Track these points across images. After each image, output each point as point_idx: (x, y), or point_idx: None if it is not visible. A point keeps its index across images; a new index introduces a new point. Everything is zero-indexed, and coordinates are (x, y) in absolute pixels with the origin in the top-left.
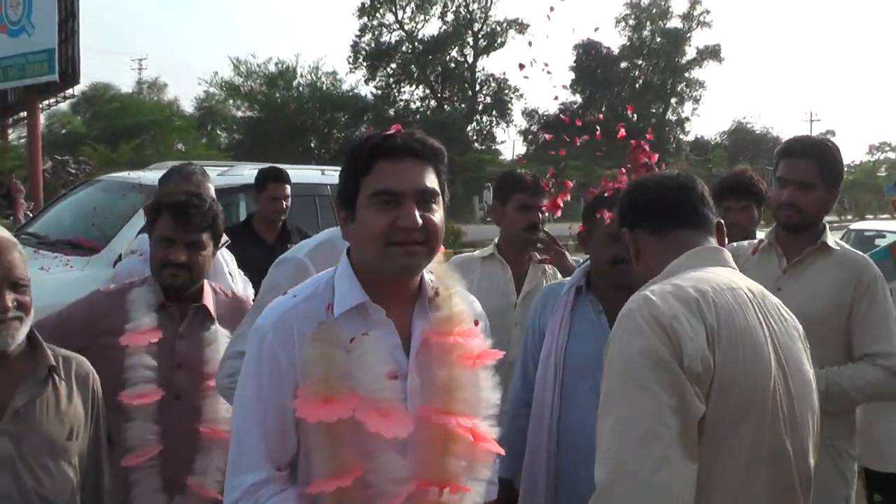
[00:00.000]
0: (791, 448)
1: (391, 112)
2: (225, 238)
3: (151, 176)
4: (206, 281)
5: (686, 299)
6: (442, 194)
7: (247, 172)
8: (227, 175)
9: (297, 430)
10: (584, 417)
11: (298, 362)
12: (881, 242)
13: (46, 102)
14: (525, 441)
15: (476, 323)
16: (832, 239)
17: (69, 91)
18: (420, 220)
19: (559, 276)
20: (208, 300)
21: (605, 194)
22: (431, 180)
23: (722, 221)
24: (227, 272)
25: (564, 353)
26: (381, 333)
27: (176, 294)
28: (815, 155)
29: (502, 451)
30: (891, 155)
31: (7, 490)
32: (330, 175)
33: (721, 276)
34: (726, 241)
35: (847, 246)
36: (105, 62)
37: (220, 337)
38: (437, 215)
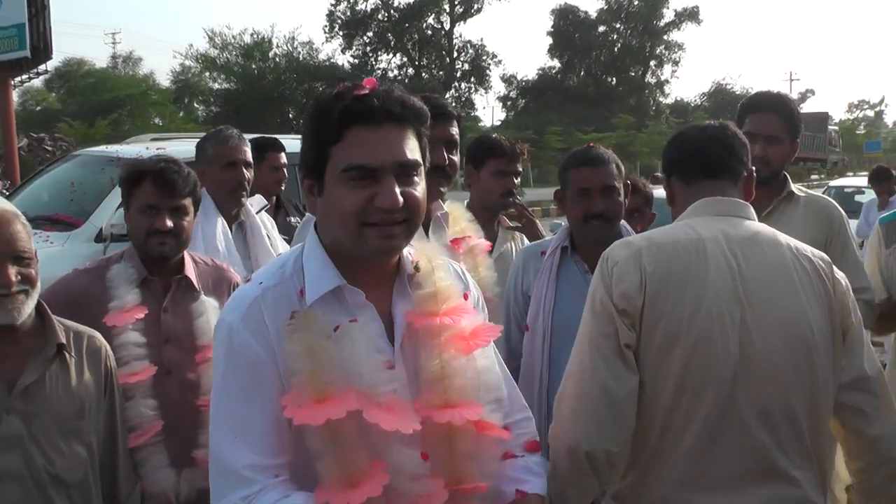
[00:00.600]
0: (746, 379)
1: None
2: (264, 201)
3: (129, 150)
4: (185, 251)
5: (634, 248)
6: (423, 161)
7: None
8: None
9: (290, 431)
10: None
11: (279, 357)
12: (860, 198)
13: (19, 79)
14: None
15: (465, 297)
16: (795, 186)
17: (42, 67)
18: (401, 199)
19: (527, 242)
20: (190, 271)
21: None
22: (413, 149)
23: (753, 170)
24: (265, 235)
25: (552, 315)
26: (365, 319)
27: (158, 267)
28: (781, 109)
29: (509, 436)
30: (869, 113)
31: (18, 469)
32: None
33: (694, 225)
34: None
35: (809, 191)
36: (78, 37)
37: (209, 308)
38: (419, 188)
